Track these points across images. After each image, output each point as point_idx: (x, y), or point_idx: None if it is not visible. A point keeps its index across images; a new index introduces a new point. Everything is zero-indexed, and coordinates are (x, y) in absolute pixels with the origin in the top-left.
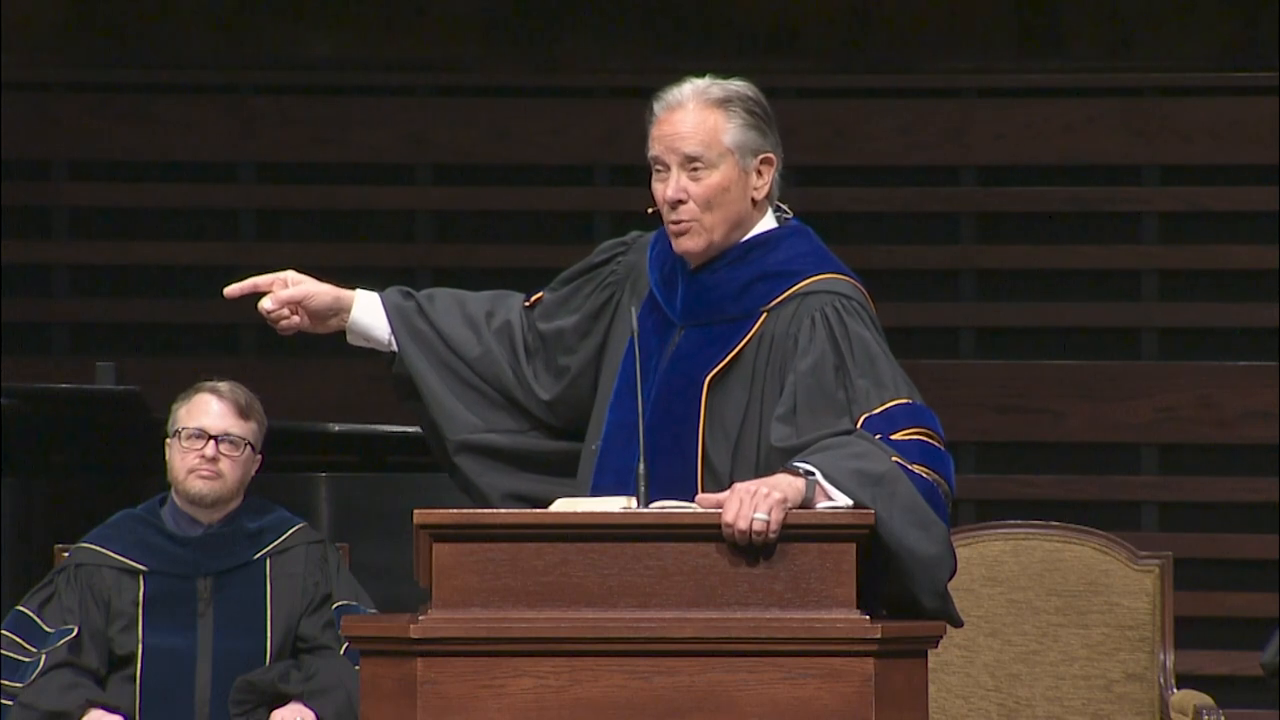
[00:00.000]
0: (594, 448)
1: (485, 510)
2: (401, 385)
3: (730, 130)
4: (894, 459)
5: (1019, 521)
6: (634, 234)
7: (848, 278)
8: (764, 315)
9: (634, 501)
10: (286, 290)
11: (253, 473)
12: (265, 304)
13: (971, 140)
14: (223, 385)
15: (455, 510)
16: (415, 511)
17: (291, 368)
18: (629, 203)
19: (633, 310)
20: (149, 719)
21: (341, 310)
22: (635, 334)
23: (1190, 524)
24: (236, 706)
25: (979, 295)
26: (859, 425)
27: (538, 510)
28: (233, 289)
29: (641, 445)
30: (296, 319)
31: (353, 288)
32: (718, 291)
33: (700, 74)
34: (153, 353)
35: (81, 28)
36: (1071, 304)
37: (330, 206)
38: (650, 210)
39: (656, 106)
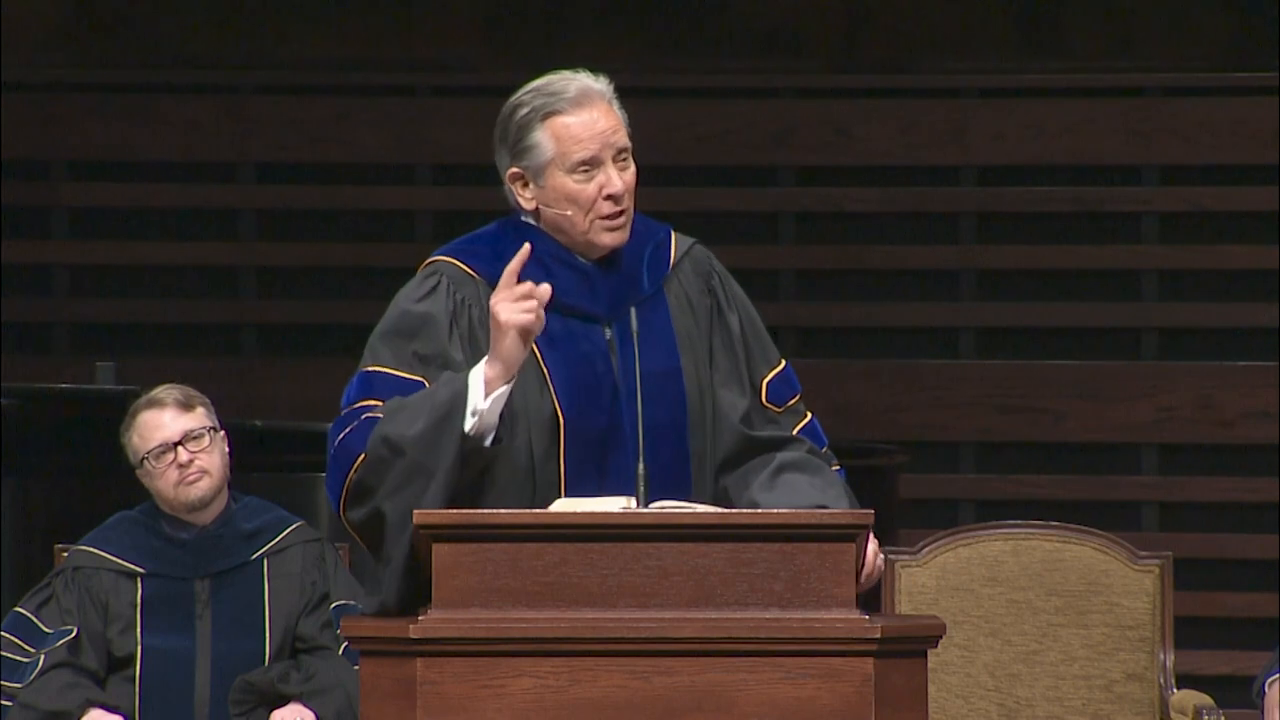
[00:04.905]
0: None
1: (485, 510)
2: (472, 474)
3: (625, 118)
4: (834, 467)
5: (1019, 521)
6: (429, 268)
7: None
8: (664, 284)
9: (634, 501)
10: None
11: (228, 450)
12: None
13: (971, 140)
14: (152, 395)
15: (455, 510)
16: (415, 511)
17: (291, 368)
18: None
19: (633, 311)
20: (148, 719)
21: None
22: (636, 335)
23: (1190, 524)
24: (236, 707)
25: (979, 295)
26: (764, 389)
27: (538, 510)
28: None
29: (641, 445)
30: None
31: (354, 292)
32: (629, 275)
33: (700, 74)
34: (153, 353)
35: (81, 28)
36: (1071, 304)
37: (330, 206)
38: (569, 213)
39: (561, 105)
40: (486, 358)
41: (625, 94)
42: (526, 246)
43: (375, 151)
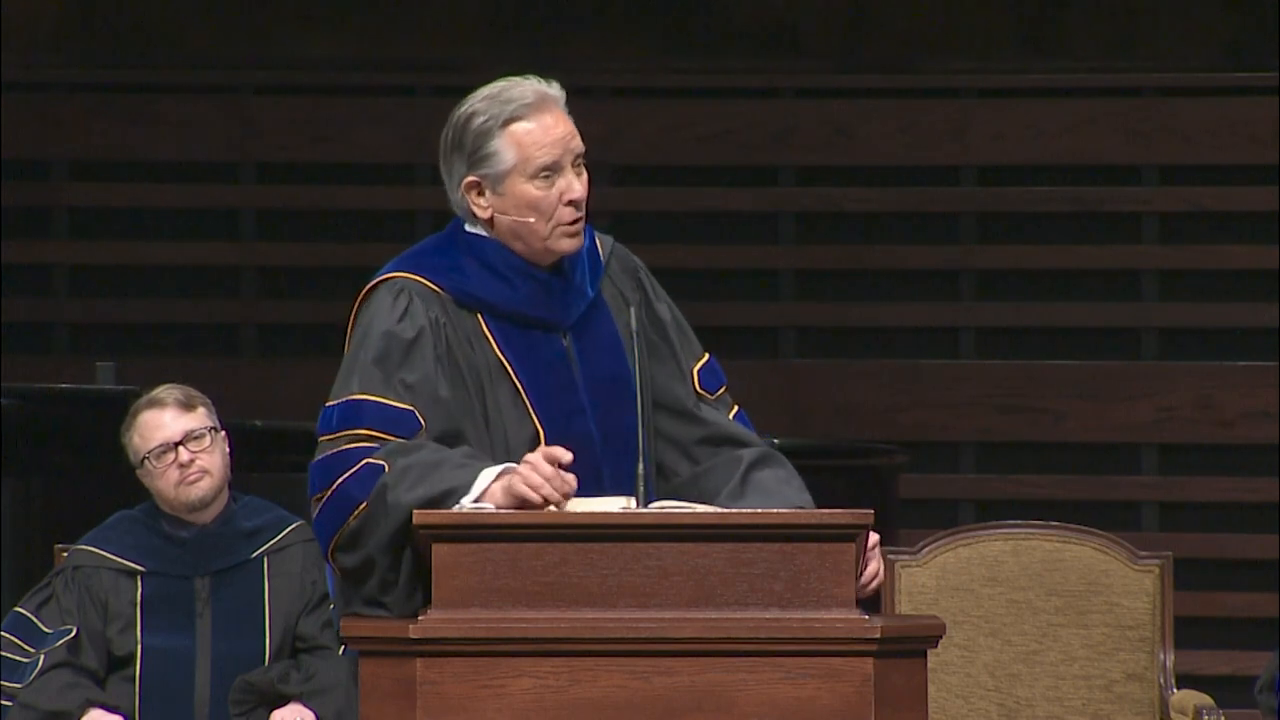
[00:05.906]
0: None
1: (485, 510)
2: None
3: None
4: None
5: (1019, 521)
6: (393, 285)
7: None
8: (602, 284)
9: (633, 501)
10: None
11: (229, 451)
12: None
13: (971, 140)
14: (154, 395)
15: (455, 510)
16: (415, 511)
17: (291, 368)
18: (631, 202)
19: (631, 311)
20: (148, 719)
21: None
22: (635, 335)
23: (1190, 524)
24: (236, 707)
25: (979, 295)
26: (695, 377)
27: (537, 510)
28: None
29: (640, 446)
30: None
31: (354, 293)
32: (578, 282)
33: (700, 74)
34: (153, 353)
35: (81, 28)
36: (1071, 304)
37: (330, 206)
38: (530, 220)
39: (521, 112)
40: (500, 475)
41: (625, 94)
42: (572, 480)
43: (375, 151)
